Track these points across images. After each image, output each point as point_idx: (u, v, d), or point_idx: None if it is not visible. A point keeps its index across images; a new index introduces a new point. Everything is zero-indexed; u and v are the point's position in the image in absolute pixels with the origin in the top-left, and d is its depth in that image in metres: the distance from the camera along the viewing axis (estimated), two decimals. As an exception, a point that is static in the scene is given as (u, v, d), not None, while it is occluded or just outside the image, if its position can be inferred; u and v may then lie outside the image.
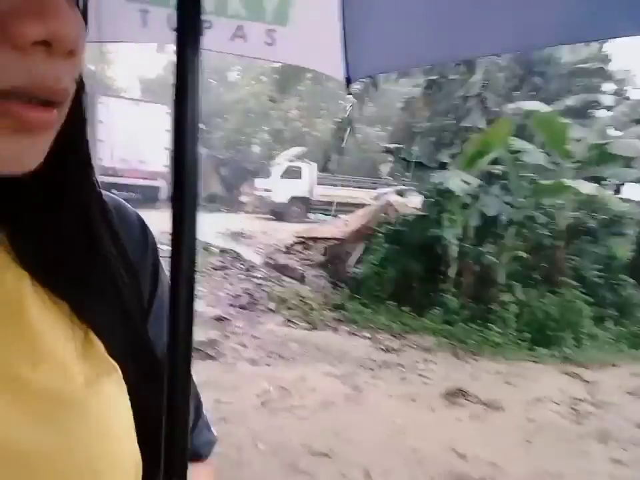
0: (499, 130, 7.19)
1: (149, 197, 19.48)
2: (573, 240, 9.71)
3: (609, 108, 10.33)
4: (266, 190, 18.60)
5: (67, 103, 0.34)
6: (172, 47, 0.49)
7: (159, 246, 0.54)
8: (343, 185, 20.03)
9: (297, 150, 19.78)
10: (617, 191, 10.81)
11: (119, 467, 0.39)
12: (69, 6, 0.31)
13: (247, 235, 12.69)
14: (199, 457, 0.55)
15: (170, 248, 0.43)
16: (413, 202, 9.63)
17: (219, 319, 5.88)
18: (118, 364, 0.41)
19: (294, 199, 18.27)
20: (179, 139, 0.41)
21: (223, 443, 3.00)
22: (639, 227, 10.15)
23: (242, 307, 6.51)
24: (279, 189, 18.00)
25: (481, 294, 7.61)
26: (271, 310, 6.53)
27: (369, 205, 10.15)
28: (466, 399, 4.53)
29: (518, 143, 8.52)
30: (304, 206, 18.67)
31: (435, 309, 7.14)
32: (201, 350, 4.77)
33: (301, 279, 8.29)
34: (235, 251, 9.11)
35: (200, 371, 3.34)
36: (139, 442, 0.42)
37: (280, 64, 9.01)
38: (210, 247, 9.32)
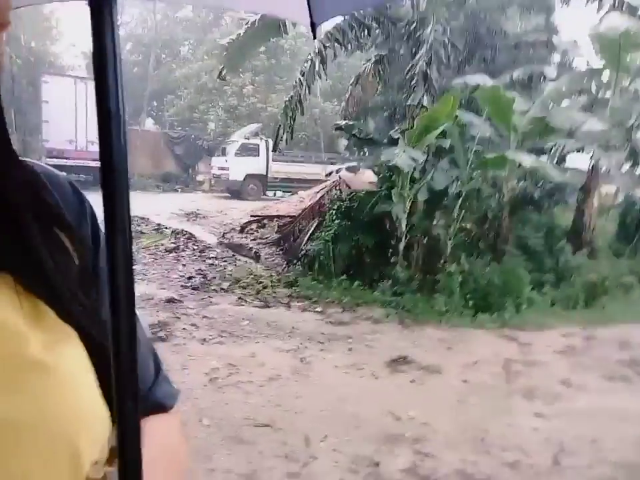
0: (445, 105, 7.36)
1: (98, 178, 18.85)
2: (517, 210, 10.17)
3: (552, 80, 10.63)
4: (221, 168, 18.36)
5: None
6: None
7: None
8: (301, 162, 19.99)
9: (252, 127, 19.52)
10: (561, 161, 11.31)
11: (90, 425, 0.41)
12: None
13: (202, 215, 12.60)
14: (162, 407, 0.58)
15: (104, 230, 0.42)
16: (366, 178, 9.81)
17: (170, 300, 5.93)
18: (74, 328, 0.43)
19: (250, 177, 18.14)
20: (103, 114, 0.39)
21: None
22: (580, 194, 10.70)
23: (194, 288, 6.57)
24: (235, 167, 17.80)
25: (429, 265, 7.93)
26: (223, 290, 6.62)
27: (325, 181, 10.27)
28: (408, 365, 4.81)
29: (465, 117, 8.77)
30: (260, 184, 18.58)
31: (385, 281, 7.41)
32: (151, 333, 4.85)
33: (256, 258, 8.38)
34: (188, 232, 9.08)
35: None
36: (104, 398, 0.44)
37: (228, 40, 8.85)
38: (163, 229, 9.25)
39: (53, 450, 0.39)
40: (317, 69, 6.82)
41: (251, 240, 8.98)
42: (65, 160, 17.25)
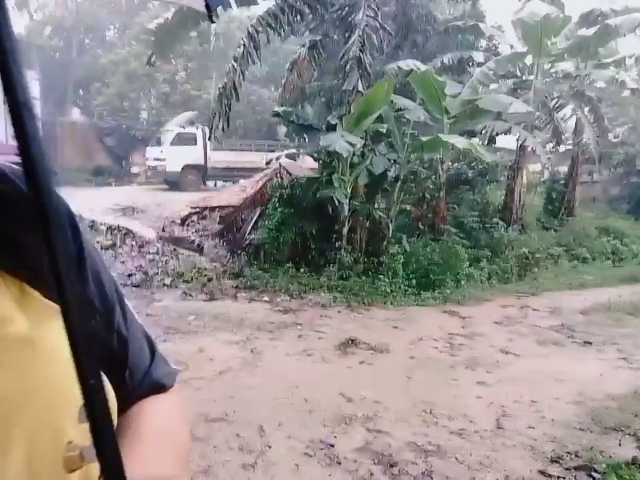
0: (380, 90, 7.45)
1: (25, 174, 17.66)
2: (452, 190, 10.57)
3: (480, 64, 11.01)
4: (157, 159, 17.64)
5: None
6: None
7: None
8: (240, 150, 19.61)
9: (187, 114, 18.87)
10: (491, 142, 11.83)
11: (75, 399, 0.40)
12: None
13: (140, 209, 12.10)
14: (162, 387, 0.60)
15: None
16: (307, 164, 9.80)
17: (111, 300, 5.68)
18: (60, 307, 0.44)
19: (188, 167, 17.57)
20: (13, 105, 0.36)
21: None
22: (510, 173, 11.26)
23: (135, 286, 6.33)
24: (172, 157, 17.15)
25: (373, 248, 8.10)
26: (166, 285, 6.43)
27: (266, 169, 10.16)
28: (357, 347, 4.91)
29: (400, 101, 8.94)
30: (199, 174, 18.06)
31: (331, 266, 7.49)
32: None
33: (199, 250, 8.19)
34: (125, 227, 8.70)
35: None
36: None
37: (156, 25, 8.46)
38: (97, 225, 8.80)
39: (38, 421, 0.42)
40: (250, 53, 6.65)
41: (193, 232, 8.75)
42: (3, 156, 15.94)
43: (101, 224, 9.42)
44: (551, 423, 3.49)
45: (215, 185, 18.38)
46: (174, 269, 6.97)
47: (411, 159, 8.66)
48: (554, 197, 12.70)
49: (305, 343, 4.98)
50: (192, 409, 3.28)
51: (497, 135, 10.73)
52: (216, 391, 3.61)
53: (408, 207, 9.37)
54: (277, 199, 7.95)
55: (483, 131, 10.32)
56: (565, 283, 8.47)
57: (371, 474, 2.71)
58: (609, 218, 13.05)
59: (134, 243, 8.05)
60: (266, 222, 7.84)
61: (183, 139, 17.43)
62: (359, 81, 6.77)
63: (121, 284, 5.98)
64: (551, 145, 13.39)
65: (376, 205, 8.42)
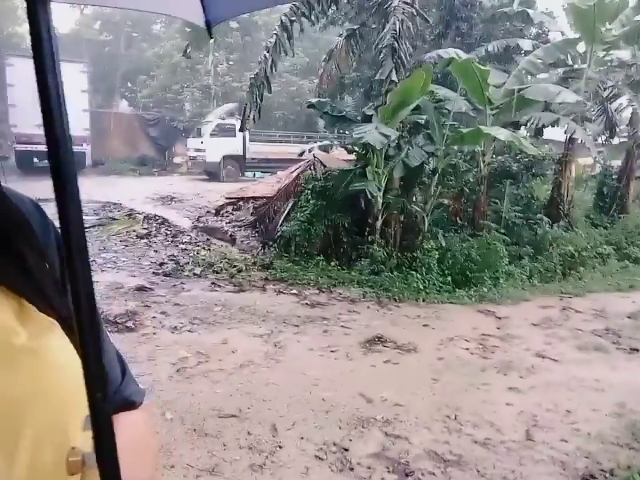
0: (418, 80, 7.18)
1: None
2: (495, 184, 10.13)
3: (528, 52, 10.51)
4: (197, 150, 17.93)
5: None
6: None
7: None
8: (279, 141, 19.65)
9: (228, 106, 19.07)
10: (538, 134, 11.27)
11: (77, 404, 0.45)
12: None
13: (178, 199, 12.31)
14: (132, 404, 0.64)
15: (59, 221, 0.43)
16: (343, 156, 9.63)
17: (141, 289, 5.76)
18: (56, 319, 0.50)
19: (227, 158, 17.76)
20: (45, 99, 0.39)
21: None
22: (557, 167, 10.69)
23: (166, 275, 6.39)
24: (211, 148, 17.39)
25: (407, 243, 7.87)
26: (196, 275, 6.46)
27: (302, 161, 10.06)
28: (383, 345, 4.75)
29: (440, 92, 8.61)
30: (238, 165, 18.23)
31: (363, 260, 7.32)
32: (118, 323, 4.70)
33: (231, 241, 8.21)
34: (161, 217, 8.83)
35: (115, 344, 3.28)
36: None
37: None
38: (135, 214, 8.99)
39: (44, 424, 0.45)
40: (282, 43, 6.53)
41: (226, 223, 8.78)
42: (34, 145, 16.68)
43: (139, 213, 9.63)
44: (587, 437, 3.23)
45: (254, 175, 18.51)
46: (204, 259, 7.00)
47: (450, 151, 8.33)
48: (605, 192, 11.97)
49: (329, 338, 4.87)
50: (206, 403, 3.24)
51: (544, 126, 10.18)
52: (233, 386, 3.56)
53: (446, 201, 9.05)
54: (309, 191, 7.84)
55: (529, 123, 9.81)
56: (612, 284, 7.96)
57: (384, 482, 2.58)
58: (666, 216, 12.18)
59: (168, 232, 8.17)
60: (298, 214, 7.75)
61: (222, 130, 17.63)
62: (393, 70, 6.51)
63: (153, 272, 6.09)
64: (604, 137, 12.62)
65: (411, 198, 8.16)
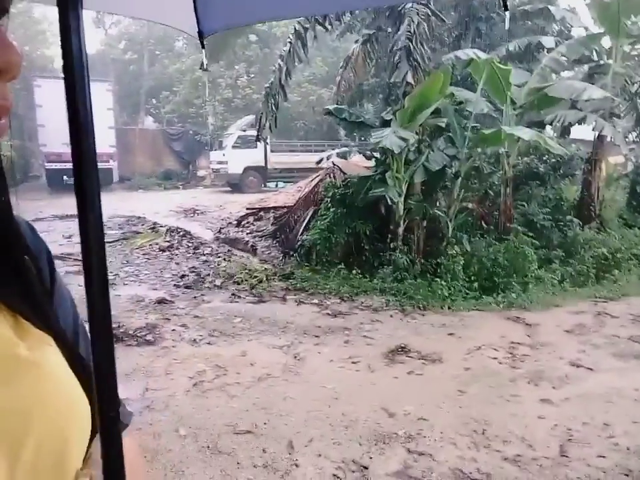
0: (435, 82, 7.04)
1: (101, 180, 18.79)
2: (521, 186, 9.84)
3: (550, 50, 10.23)
4: (220, 162, 18.13)
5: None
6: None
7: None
8: (300, 151, 19.69)
9: (248, 118, 19.22)
10: (565, 133, 10.92)
11: (77, 416, 0.48)
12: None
13: (200, 211, 12.41)
14: None
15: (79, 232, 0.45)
16: (361, 162, 9.53)
17: (161, 301, 5.75)
18: (51, 335, 0.50)
19: (249, 169, 17.88)
20: (73, 115, 0.41)
21: (141, 433, 2.94)
22: (586, 166, 10.31)
23: (187, 287, 6.38)
24: (233, 160, 17.56)
25: (430, 249, 7.67)
26: (217, 286, 6.43)
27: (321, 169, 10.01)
28: (407, 356, 4.59)
29: (461, 94, 8.43)
30: (260, 175, 18.33)
31: (385, 268, 7.16)
32: (137, 336, 4.68)
33: (252, 252, 8.17)
34: (183, 229, 8.87)
35: (133, 358, 3.23)
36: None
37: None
38: (158, 227, 9.07)
39: (46, 433, 0.45)
40: (297, 52, 6.49)
41: (247, 234, 8.77)
42: (63, 164, 17.17)
43: (161, 226, 9.72)
44: (626, 452, 3.00)
45: (276, 186, 18.57)
46: (225, 270, 6.96)
47: (472, 154, 8.13)
48: (638, 191, 11.48)
49: (351, 349, 4.73)
50: (221, 419, 3.15)
51: (571, 125, 9.86)
52: (250, 400, 3.46)
53: (470, 205, 8.81)
54: (329, 199, 7.75)
55: (554, 122, 9.50)
56: (650, 287, 7.57)
57: (407, 503, 2.43)
58: None
59: (190, 244, 8.19)
60: (318, 222, 7.66)
61: (244, 142, 17.79)
62: (409, 72, 6.38)
63: (174, 285, 6.08)
64: (635, 133, 12.16)
65: (433, 203, 7.98)
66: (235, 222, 9.49)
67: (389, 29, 8.68)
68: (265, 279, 6.72)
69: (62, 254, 7.08)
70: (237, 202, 13.38)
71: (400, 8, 6.59)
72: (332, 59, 22.49)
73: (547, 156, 10.26)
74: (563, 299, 6.79)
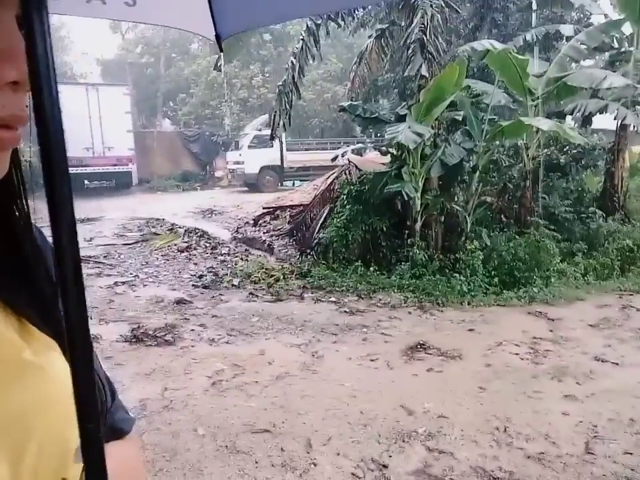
0: (450, 74, 6.93)
1: (121, 183, 19.10)
2: (542, 178, 9.63)
3: (569, 38, 9.99)
4: (236, 162, 18.23)
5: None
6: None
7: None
8: (316, 149, 19.66)
9: (264, 117, 19.27)
10: (586, 123, 10.66)
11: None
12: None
13: (218, 211, 12.49)
14: (120, 431, 0.63)
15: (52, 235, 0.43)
16: (377, 158, 9.45)
17: (180, 302, 5.80)
18: (54, 339, 0.51)
19: (265, 168, 17.94)
20: (41, 121, 0.39)
21: (160, 432, 2.96)
22: (609, 156, 10.05)
23: (205, 287, 6.42)
24: (250, 160, 17.64)
25: (449, 244, 7.57)
26: (234, 286, 6.45)
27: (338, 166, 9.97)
28: (426, 352, 4.53)
29: (477, 86, 8.29)
30: (277, 174, 18.37)
31: (403, 264, 7.09)
32: (157, 337, 4.72)
33: (269, 250, 8.19)
34: (201, 230, 8.94)
35: (153, 358, 3.25)
36: None
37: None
38: (176, 228, 9.16)
39: (48, 436, 0.45)
40: (309, 48, 6.46)
41: (264, 233, 8.78)
42: (84, 168, 17.49)
43: (180, 227, 9.81)
44: (656, 450, 2.91)
45: (293, 184, 18.60)
46: (242, 270, 6.99)
47: (490, 146, 7.98)
48: (664, 180, 11.16)
49: (369, 346, 4.70)
50: (239, 418, 3.16)
51: (592, 114, 9.60)
52: (268, 399, 3.46)
53: (489, 199, 8.67)
54: (345, 196, 7.71)
55: (575, 112, 9.27)
56: (678, 279, 7.34)
57: (427, 502, 2.39)
58: None
59: (207, 245, 8.24)
60: (334, 220, 7.62)
61: (260, 142, 17.84)
62: (423, 65, 6.29)
63: (193, 285, 6.13)
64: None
65: (451, 197, 7.86)
66: (252, 221, 9.52)
67: (403, 23, 8.58)
68: (282, 277, 6.72)
69: (82, 257, 7.19)
70: (253, 201, 13.43)
71: (413, 0, 6.50)
72: (346, 56, 22.41)
73: (567, 147, 10.02)
74: (587, 292, 6.63)
